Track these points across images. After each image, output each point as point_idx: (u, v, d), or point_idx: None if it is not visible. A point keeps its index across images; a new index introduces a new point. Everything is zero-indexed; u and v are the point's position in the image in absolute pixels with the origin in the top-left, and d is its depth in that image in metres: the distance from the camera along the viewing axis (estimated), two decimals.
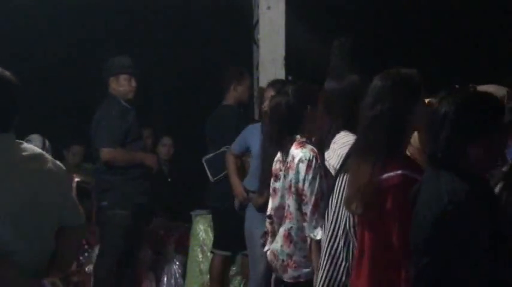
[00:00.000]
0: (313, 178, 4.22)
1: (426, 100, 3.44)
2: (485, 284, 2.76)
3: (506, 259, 2.81)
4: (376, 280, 3.20)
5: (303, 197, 4.25)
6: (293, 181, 4.30)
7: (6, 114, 3.01)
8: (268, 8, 6.72)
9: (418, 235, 2.86)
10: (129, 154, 6.30)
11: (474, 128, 2.81)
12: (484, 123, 2.82)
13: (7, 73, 3.05)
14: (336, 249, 3.79)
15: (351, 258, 3.72)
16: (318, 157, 4.24)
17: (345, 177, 3.73)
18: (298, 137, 4.42)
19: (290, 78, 6.52)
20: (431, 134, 2.89)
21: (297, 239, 4.33)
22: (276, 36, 6.70)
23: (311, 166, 4.23)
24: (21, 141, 3.05)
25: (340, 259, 3.77)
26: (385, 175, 3.10)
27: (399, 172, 3.08)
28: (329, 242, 3.80)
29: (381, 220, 3.12)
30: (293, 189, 4.31)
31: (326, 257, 3.82)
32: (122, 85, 6.48)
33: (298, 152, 4.30)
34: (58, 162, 3.12)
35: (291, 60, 6.72)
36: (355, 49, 4.96)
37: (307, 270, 4.29)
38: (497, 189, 3.07)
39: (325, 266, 3.81)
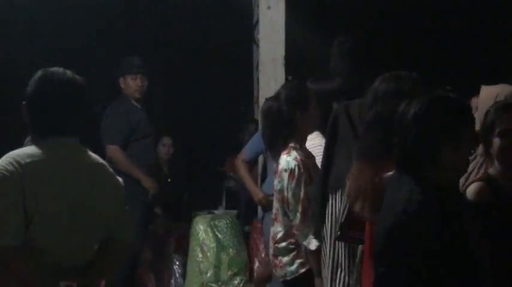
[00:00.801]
0: (297, 187, 4.19)
1: None
2: None
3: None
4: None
5: (288, 205, 4.25)
6: (278, 187, 4.31)
7: (71, 117, 3.03)
8: (268, 7, 6.71)
9: (377, 242, 2.83)
10: (130, 166, 6.32)
11: (444, 129, 2.75)
12: (454, 124, 2.76)
13: (77, 76, 3.07)
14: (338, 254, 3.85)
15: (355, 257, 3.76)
16: (302, 164, 4.21)
17: (337, 194, 3.80)
18: None
19: (290, 78, 6.52)
20: (399, 136, 2.82)
21: (284, 243, 4.34)
22: (276, 36, 6.68)
23: (294, 175, 4.20)
24: (86, 148, 3.07)
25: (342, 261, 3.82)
26: (390, 174, 3.09)
27: None
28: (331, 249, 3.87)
29: None
30: (278, 196, 4.32)
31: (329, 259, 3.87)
32: (130, 85, 6.59)
33: (283, 160, 4.28)
34: (119, 178, 3.13)
35: (291, 60, 6.72)
36: (355, 49, 4.96)
37: (291, 268, 4.31)
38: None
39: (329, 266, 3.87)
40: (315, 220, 4.11)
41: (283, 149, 4.35)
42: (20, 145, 3.31)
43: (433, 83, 3.50)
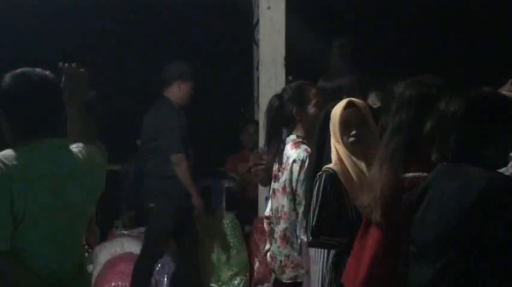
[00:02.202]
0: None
1: None
2: None
3: None
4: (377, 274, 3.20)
5: (297, 197, 4.26)
6: (287, 181, 4.31)
7: (54, 116, 2.96)
8: (269, 8, 6.72)
9: (440, 230, 2.79)
10: (189, 179, 6.25)
11: (485, 128, 2.78)
12: (495, 122, 2.79)
13: (49, 74, 2.99)
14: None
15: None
16: None
17: None
18: (294, 137, 4.43)
19: (290, 78, 6.52)
20: (441, 135, 2.85)
21: (293, 239, 4.34)
22: (276, 36, 6.69)
23: (304, 166, 4.24)
24: (70, 148, 3.01)
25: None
26: (410, 175, 3.10)
27: (425, 174, 3.04)
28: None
29: (397, 220, 3.06)
30: (288, 189, 4.32)
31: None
32: (183, 90, 6.47)
33: (293, 153, 4.32)
34: (102, 176, 3.11)
35: (291, 60, 6.72)
36: (355, 49, 4.97)
37: (304, 270, 4.29)
38: None
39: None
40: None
41: (278, 145, 4.38)
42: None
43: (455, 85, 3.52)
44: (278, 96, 4.57)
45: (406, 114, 3.18)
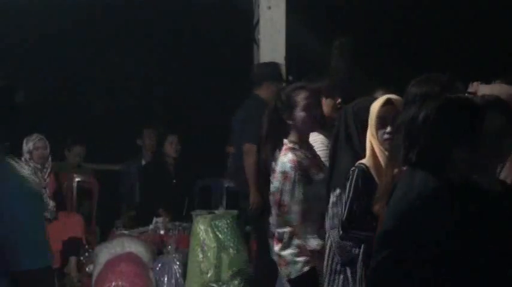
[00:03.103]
0: (293, 188, 4.22)
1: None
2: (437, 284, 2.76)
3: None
4: None
5: (280, 207, 4.27)
6: (274, 189, 4.33)
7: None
8: (269, 7, 6.72)
9: (384, 227, 2.89)
10: (253, 173, 5.87)
11: (455, 131, 2.81)
12: (464, 126, 2.82)
13: None
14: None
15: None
16: (298, 165, 4.24)
17: (336, 192, 3.89)
18: (286, 141, 4.43)
19: (290, 78, 6.53)
20: (408, 138, 2.89)
21: (287, 242, 4.36)
22: (276, 36, 6.69)
23: (287, 177, 4.23)
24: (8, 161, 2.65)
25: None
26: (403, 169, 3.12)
27: None
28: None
29: None
30: (273, 197, 4.35)
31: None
32: (264, 92, 6.34)
33: (280, 161, 4.32)
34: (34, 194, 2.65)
35: (291, 60, 6.72)
36: (355, 49, 4.99)
37: (296, 267, 4.32)
38: None
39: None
40: (313, 220, 4.16)
41: (279, 148, 4.39)
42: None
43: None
44: (276, 98, 4.57)
45: (410, 111, 3.22)
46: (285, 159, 4.28)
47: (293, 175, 4.22)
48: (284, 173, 4.24)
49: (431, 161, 2.82)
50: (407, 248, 2.77)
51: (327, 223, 4.05)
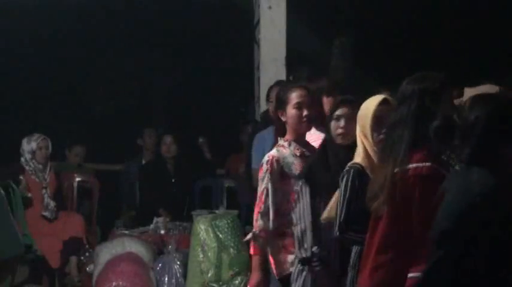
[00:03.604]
0: (261, 181, 4.34)
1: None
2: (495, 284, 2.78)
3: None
4: (379, 265, 3.22)
5: (259, 199, 4.39)
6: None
7: None
8: (269, 7, 6.73)
9: (440, 227, 2.87)
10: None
11: (505, 130, 2.85)
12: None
13: None
14: None
15: None
16: (274, 161, 4.33)
17: (306, 188, 3.97)
18: (280, 139, 4.49)
19: (291, 78, 6.53)
20: (462, 138, 2.91)
21: (274, 241, 4.40)
22: (277, 36, 6.70)
23: (262, 168, 4.36)
24: None
25: None
26: (413, 165, 3.13)
27: (428, 163, 3.10)
28: None
29: (401, 209, 3.13)
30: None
31: None
32: None
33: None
34: None
35: (292, 60, 6.73)
36: (355, 49, 5.01)
37: (284, 266, 4.37)
38: None
39: None
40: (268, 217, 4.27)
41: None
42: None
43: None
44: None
45: (408, 108, 3.21)
46: (268, 154, 4.40)
47: (265, 169, 4.31)
48: (261, 165, 4.37)
49: (487, 160, 2.84)
50: (465, 247, 2.78)
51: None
